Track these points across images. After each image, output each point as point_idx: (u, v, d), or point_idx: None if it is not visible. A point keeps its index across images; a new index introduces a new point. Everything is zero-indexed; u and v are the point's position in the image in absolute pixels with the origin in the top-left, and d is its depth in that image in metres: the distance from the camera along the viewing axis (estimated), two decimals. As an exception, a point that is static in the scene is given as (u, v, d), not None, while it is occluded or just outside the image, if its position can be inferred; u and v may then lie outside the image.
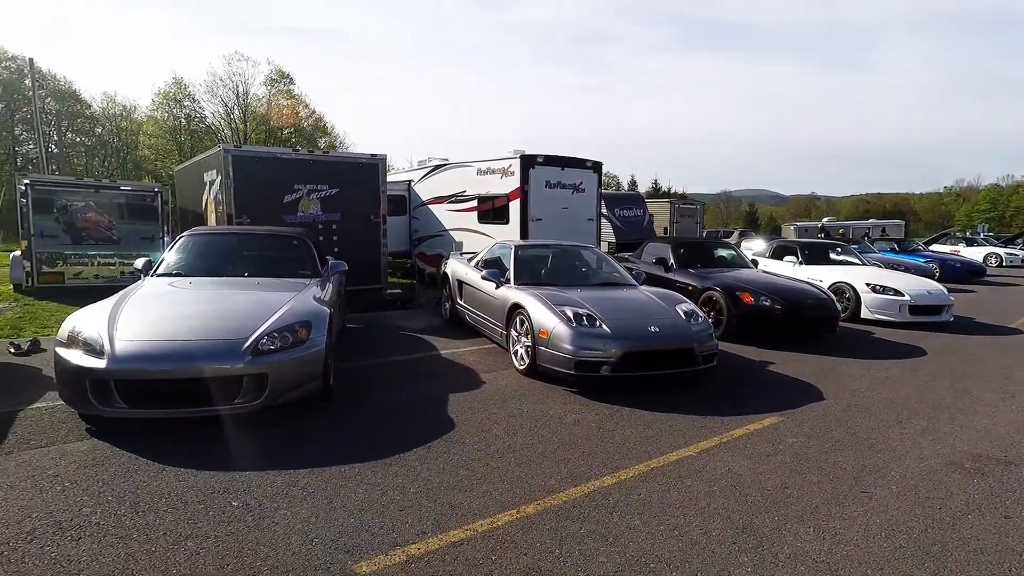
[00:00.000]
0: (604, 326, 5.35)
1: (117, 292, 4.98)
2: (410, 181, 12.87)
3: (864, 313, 9.49)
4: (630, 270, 7.43)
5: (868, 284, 9.57)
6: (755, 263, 9.97)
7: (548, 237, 9.01)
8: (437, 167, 11.92)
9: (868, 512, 3.40)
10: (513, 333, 6.06)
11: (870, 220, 38.10)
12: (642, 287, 6.79)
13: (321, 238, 8.35)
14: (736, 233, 31.35)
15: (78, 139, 40.03)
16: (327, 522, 3.10)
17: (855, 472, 3.92)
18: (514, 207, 9.53)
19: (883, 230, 29.69)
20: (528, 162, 9.34)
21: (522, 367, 5.82)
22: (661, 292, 6.58)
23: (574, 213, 9.83)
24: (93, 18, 56.48)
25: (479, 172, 10.39)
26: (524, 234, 9.33)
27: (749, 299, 7.73)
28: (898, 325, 9.23)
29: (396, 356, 6.52)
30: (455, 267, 7.97)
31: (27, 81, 31.16)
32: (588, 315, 5.44)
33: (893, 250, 18.22)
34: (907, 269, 13.29)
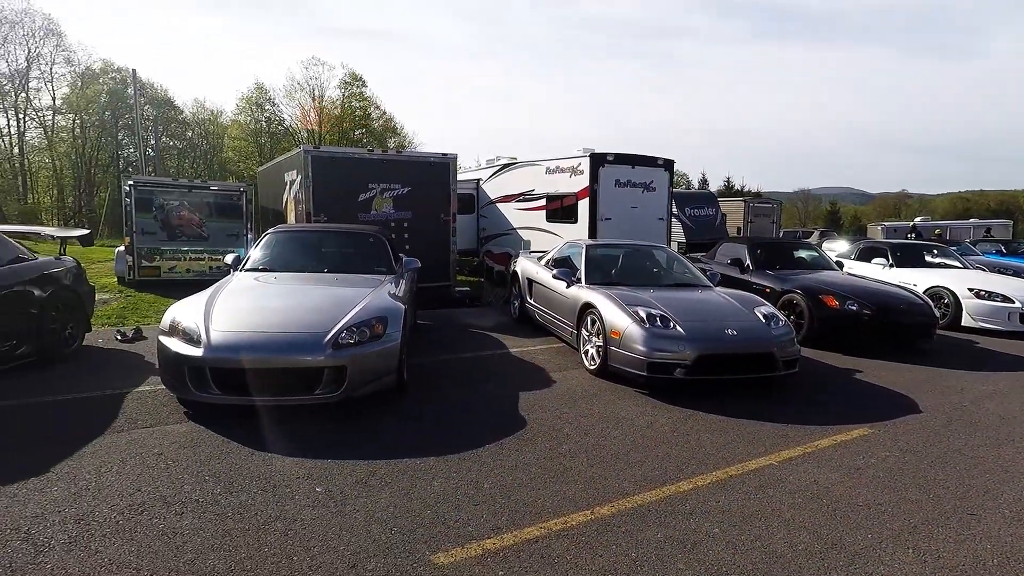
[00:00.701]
0: (678, 327, 5.22)
1: (206, 285, 5.31)
2: (478, 180, 13.03)
3: (966, 321, 8.78)
4: (704, 271, 7.22)
5: (971, 289, 8.83)
6: (839, 265, 9.42)
7: (617, 237, 8.89)
8: (505, 166, 12.01)
9: (977, 536, 3.14)
10: (584, 333, 6.01)
11: (971, 220, 34.81)
12: (717, 288, 6.58)
13: (393, 236, 8.58)
14: (816, 233, 29.10)
15: (171, 142, 43.03)
16: (405, 512, 3.19)
17: (959, 492, 3.64)
18: (583, 206, 9.46)
19: (987, 230, 26.71)
20: (598, 160, 9.24)
21: (592, 367, 5.77)
22: (738, 294, 6.36)
23: (644, 212, 9.64)
24: (186, 29, 60.61)
25: (548, 171, 10.38)
26: (592, 233, 9.24)
27: (834, 303, 7.32)
28: (1006, 335, 8.49)
29: (466, 353, 6.62)
30: (525, 266, 8.00)
31: (129, 90, 33.83)
32: (662, 316, 5.33)
33: (1000, 252, 16.68)
34: (1016, 273, 12.13)
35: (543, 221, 10.56)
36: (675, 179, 10.25)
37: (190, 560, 2.72)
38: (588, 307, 5.94)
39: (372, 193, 8.94)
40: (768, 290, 7.84)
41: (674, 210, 10.48)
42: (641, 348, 5.14)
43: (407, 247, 8.70)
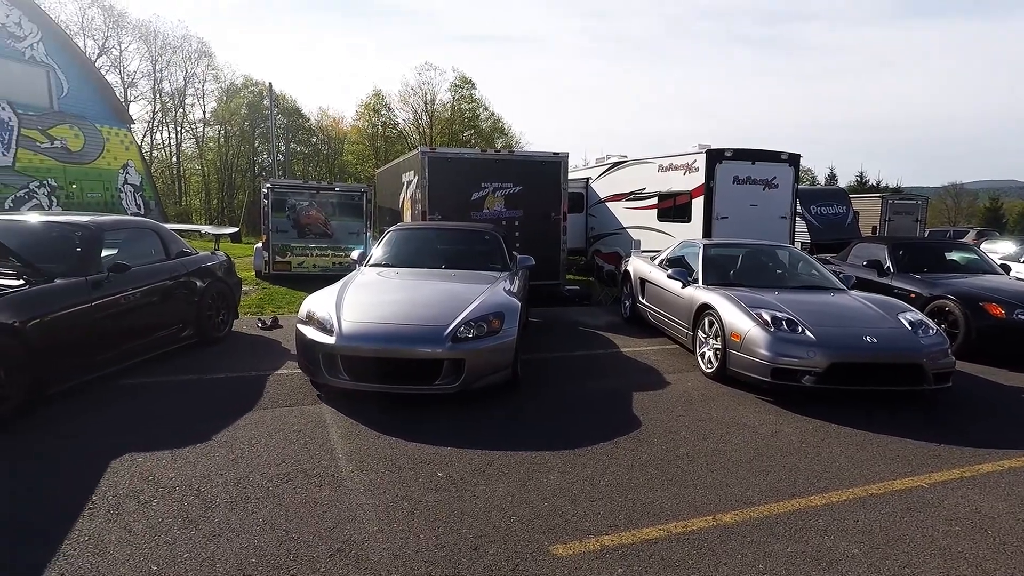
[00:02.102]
0: (808, 332, 4.88)
1: (330, 279, 5.71)
2: (588, 178, 12.97)
3: None
4: (836, 273, 6.69)
5: None
6: (1006, 268, 8.27)
7: (733, 236, 8.48)
8: (615, 164, 11.85)
9: None
10: (700, 335, 5.80)
11: None
12: (852, 292, 6.07)
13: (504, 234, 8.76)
14: (972, 233, 25.13)
15: (298, 148, 46.84)
16: (523, 502, 3.26)
17: None
18: (697, 204, 9.11)
19: None
20: (715, 157, 8.86)
21: (709, 370, 5.55)
22: (878, 298, 5.82)
23: (765, 210, 9.11)
24: (316, 43, 65.94)
25: (660, 168, 10.11)
26: (707, 233, 8.87)
27: (998, 311, 6.45)
28: None
29: (577, 351, 6.61)
30: (637, 265, 7.86)
31: (265, 102, 37.23)
32: (789, 319, 5.01)
33: None
34: None
35: (654, 220, 10.30)
36: (799, 175, 9.57)
37: (329, 528, 2.96)
38: (705, 308, 5.71)
39: (484, 192, 9.18)
40: (913, 295, 7.09)
41: (798, 208, 9.78)
42: (765, 353, 4.86)
43: (517, 245, 8.84)
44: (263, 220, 12.29)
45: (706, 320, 5.70)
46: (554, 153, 9.40)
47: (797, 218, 9.95)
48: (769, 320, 5.01)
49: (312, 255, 12.28)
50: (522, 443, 4.02)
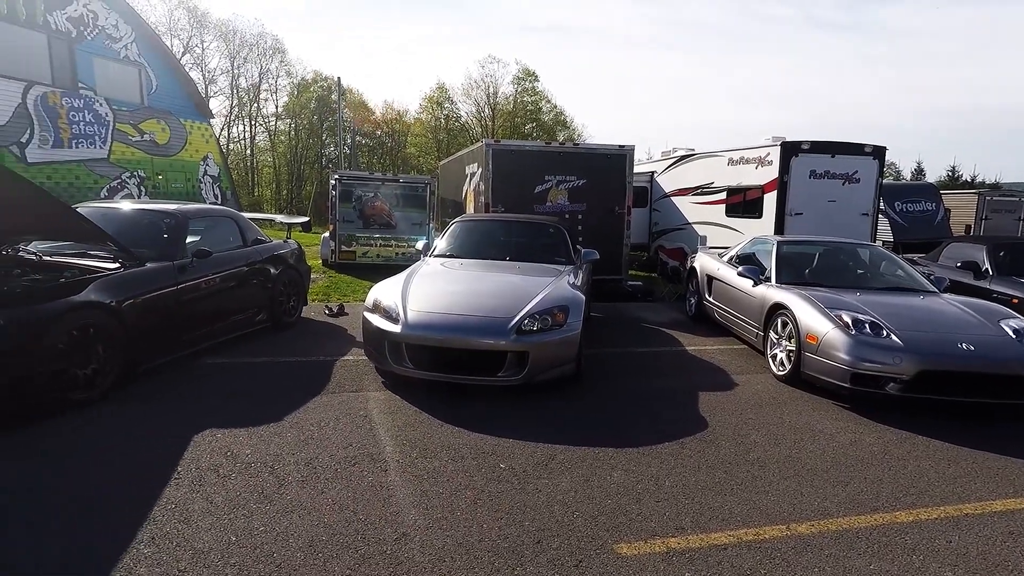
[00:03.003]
0: (893, 336, 4.58)
1: (393, 269, 5.79)
2: (653, 172, 12.67)
3: None
4: (926, 275, 6.24)
5: None
6: None
7: (808, 233, 8.07)
8: (682, 158, 11.51)
9: None
10: (772, 335, 5.55)
11: None
12: (945, 295, 5.65)
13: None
14: None
15: (363, 140, 48.10)
16: (585, 498, 3.21)
17: None
18: (769, 200, 8.71)
19: None
20: (790, 150, 8.43)
21: (781, 373, 5.31)
22: (975, 303, 5.39)
23: (844, 206, 8.59)
24: (383, 37, 67.29)
25: (730, 162, 9.73)
26: (779, 229, 8.47)
27: None
28: None
29: (640, 348, 6.48)
30: (704, 262, 7.61)
31: (333, 96, 38.45)
32: (872, 322, 4.71)
33: None
34: None
35: (722, 216, 9.94)
36: (884, 169, 8.96)
37: (395, 512, 3.01)
38: (778, 308, 5.46)
39: (548, 185, 9.12)
40: (1016, 301, 6.50)
41: (880, 205, 9.18)
42: (844, 357, 4.60)
43: (580, 239, 8.74)
44: (330, 210, 12.67)
45: (779, 320, 5.44)
46: (619, 146, 9.22)
47: (879, 215, 9.33)
48: (850, 322, 4.73)
49: (376, 245, 12.56)
50: (584, 438, 3.97)
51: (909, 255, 9.05)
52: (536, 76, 45.71)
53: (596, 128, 66.77)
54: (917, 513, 3.16)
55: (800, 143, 8.52)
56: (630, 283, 9.78)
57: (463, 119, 46.49)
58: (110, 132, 17.40)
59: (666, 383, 5.27)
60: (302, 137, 44.60)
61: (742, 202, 9.49)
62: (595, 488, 3.33)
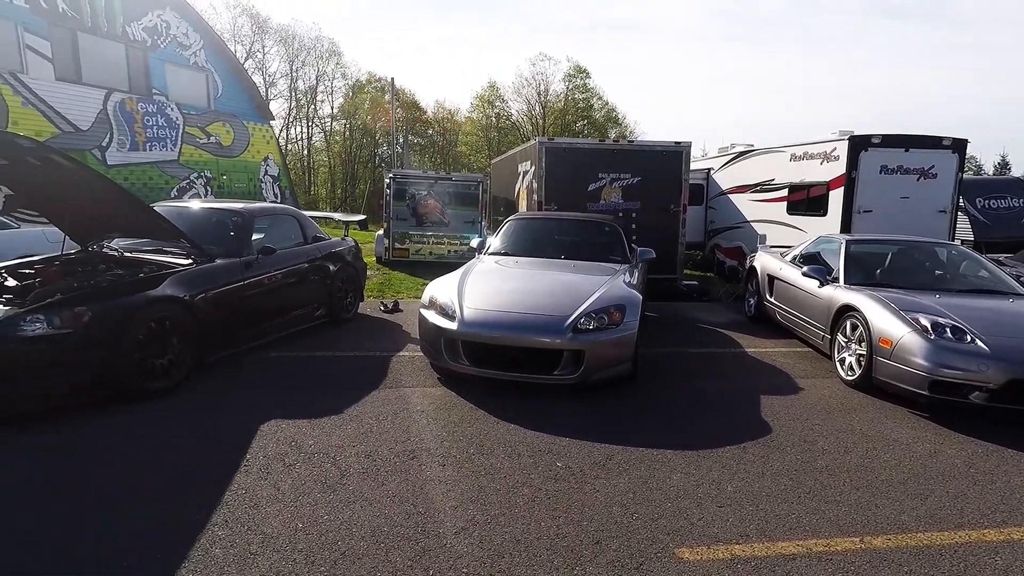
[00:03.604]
0: (979, 342, 4.29)
1: (445, 266, 5.83)
2: (709, 169, 12.33)
3: None
4: (1016, 276, 5.82)
5: None
6: None
7: (878, 231, 7.67)
8: (741, 154, 11.15)
9: None
10: (840, 339, 5.30)
11: None
12: None
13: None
14: None
15: (415, 140, 48.88)
16: (644, 500, 3.16)
17: None
18: (835, 196, 8.32)
19: None
20: (859, 144, 8.02)
21: (850, 377, 5.07)
22: None
23: (918, 203, 8.11)
24: (435, 37, 68.20)
25: (792, 158, 9.36)
26: (846, 227, 8.09)
27: None
28: None
29: (696, 348, 6.32)
30: (765, 261, 7.35)
31: (387, 96, 39.24)
32: (954, 327, 4.43)
33: None
34: None
35: (783, 214, 9.57)
36: (964, 164, 8.40)
37: (454, 506, 3.04)
38: (848, 310, 5.21)
39: (601, 183, 9.02)
40: None
41: (959, 201, 8.61)
42: (922, 363, 4.34)
43: (634, 237, 8.61)
44: (384, 208, 12.91)
45: (848, 323, 5.19)
46: (675, 143, 9.01)
47: (959, 213, 8.76)
48: (928, 326, 4.46)
49: (429, 243, 12.72)
50: (642, 439, 3.90)
51: (993, 255, 8.47)
52: (587, 73, 45.33)
53: (648, 125, 65.67)
54: (1009, 532, 2.95)
55: (870, 137, 8.10)
56: (685, 282, 9.56)
57: (514, 117, 46.60)
58: (180, 135, 18.35)
59: (725, 385, 5.12)
60: (356, 137, 45.72)
61: (805, 199, 9.11)
62: (654, 490, 3.27)
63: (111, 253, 5.42)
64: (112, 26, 16.16)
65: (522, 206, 10.44)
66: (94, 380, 4.00)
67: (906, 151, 8.10)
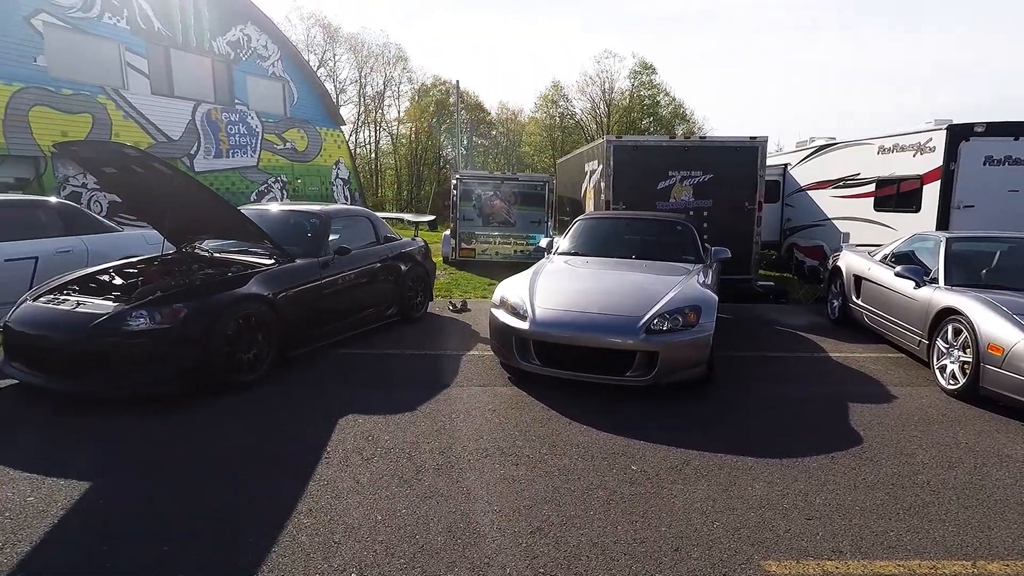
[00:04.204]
0: (1105, 350, 3.87)
1: (512, 266, 5.80)
2: (785, 165, 11.77)
3: None
4: None
5: None
6: None
7: (981, 228, 7.06)
8: (821, 148, 10.56)
9: None
10: (940, 344, 4.91)
11: None
12: None
13: (691, 225, 8.29)
14: None
15: (479, 141, 49.44)
16: (725, 509, 3.03)
17: None
18: (930, 191, 7.71)
19: None
20: (959, 133, 7.38)
21: (952, 386, 4.68)
22: None
23: None
24: (499, 38, 68.73)
25: (881, 151, 8.77)
26: (943, 224, 7.48)
27: None
28: None
29: (776, 352, 6.04)
30: (851, 261, 6.92)
31: (451, 99, 39.92)
32: (1077, 333, 4.01)
33: None
34: None
35: (869, 210, 8.98)
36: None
37: (528, 506, 3.02)
38: (949, 314, 4.82)
39: (671, 181, 8.78)
40: None
41: None
42: (1039, 372, 3.95)
43: (705, 236, 8.33)
44: (451, 209, 13.10)
45: (950, 328, 4.80)
46: (751, 138, 8.64)
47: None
48: (1045, 332, 4.06)
49: (495, 243, 12.80)
50: (719, 445, 3.76)
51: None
52: (653, 69, 44.41)
53: (718, 121, 63.38)
54: None
55: (972, 125, 7.46)
56: (761, 283, 9.16)
57: (578, 116, 46.30)
58: (259, 142, 19.35)
59: (808, 391, 4.86)
60: (421, 140, 46.76)
61: (895, 195, 8.51)
62: (735, 499, 3.14)
63: (202, 254, 5.75)
64: (200, 42, 17.24)
65: (589, 206, 10.33)
66: (189, 371, 4.25)
67: (1016, 140, 7.40)
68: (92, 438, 3.70)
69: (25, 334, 4.25)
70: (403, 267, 6.83)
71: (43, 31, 13.24)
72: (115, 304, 4.27)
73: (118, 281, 4.92)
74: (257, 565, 2.51)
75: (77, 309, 4.27)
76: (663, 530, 2.85)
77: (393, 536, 2.74)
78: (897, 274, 5.64)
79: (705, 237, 8.22)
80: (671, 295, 4.72)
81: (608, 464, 3.50)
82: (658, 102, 44.69)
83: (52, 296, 4.53)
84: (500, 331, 4.90)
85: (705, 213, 8.75)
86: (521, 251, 12.62)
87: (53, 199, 7.13)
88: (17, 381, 4.35)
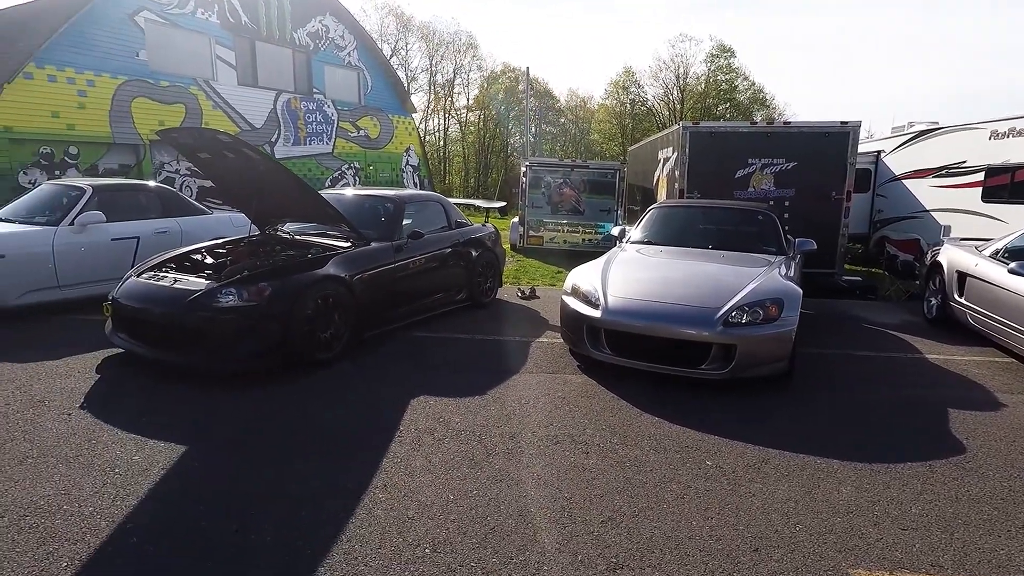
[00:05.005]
0: None
1: (579, 255, 5.70)
2: (878, 152, 10.98)
3: None
4: None
5: None
6: None
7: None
8: (921, 134, 9.76)
9: None
10: (1059, 348, 4.46)
11: None
12: None
13: (769, 215, 7.89)
14: None
15: (547, 128, 49.15)
16: (808, 512, 2.88)
17: None
18: (1051, 181, 7.00)
19: None
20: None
21: (1071, 396, 4.24)
22: None
23: None
24: (571, 25, 67.77)
25: (993, 136, 8.00)
26: (1065, 217, 6.79)
27: None
28: None
29: (863, 351, 5.67)
30: (954, 256, 6.37)
31: (521, 86, 39.86)
32: None
33: None
34: None
35: (975, 201, 8.24)
36: None
37: (599, 495, 2.98)
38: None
39: (751, 169, 8.37)
40: None
41: None
42: None
43: (786, 228, 7.90)
44: (520, 196, 13.11)
45: (1070, 330, 4.34)
46: (841, 123, 8.09)
47: None
48: None
49: (563, 231, 12.71)
50: (801, 444, 3.58)
51: None
52: (732, 52, 42.54)
53: (802, 105, 59.70)
54: None
55: None
56: (846, 278, 8.62)
57: (649, 103, 45.11)
58: (334, 130, 20.03)
59: (900, 393, 4.54)
60: (489, 127, 46.99)
61: (1008, 184, 7.76)
62: (820, 502, 2.97)
63: (284, 236, 6.02)
64: (282, 33, 17.97)
65: (661, 194, 10.04)
66: (273, 348, 4.46)
67: None
68: (186, 406, 3.96)
69: (130, 307, 4.59)
70: (474, 252, 6.88)
71: (144, 27, 14.19)
72: (207, 282, 4.54)
73: (209, 260, 5.23)
74: (336, 535, 2.61)
75: (175, 285, 4.57)
76: (740, 529, 2.74)
77: (465, 516, 2.77)
78: (1011, 271, 5.12)
79: (786, 228, 7.81)
80: (751, 287, 4.52)
81: (681, 458, 3.40)
82: (736, 87, 42.81)
83: (153, 273, 4.87)
84: (571, 319, 4.85)
85: (787, 203, 8.30)
86: (589, 240, 12.47)
87: (152, 183, 7.67)
88: (122, 350, 4.71)
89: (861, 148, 11.41)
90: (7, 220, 6.30)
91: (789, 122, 8.51)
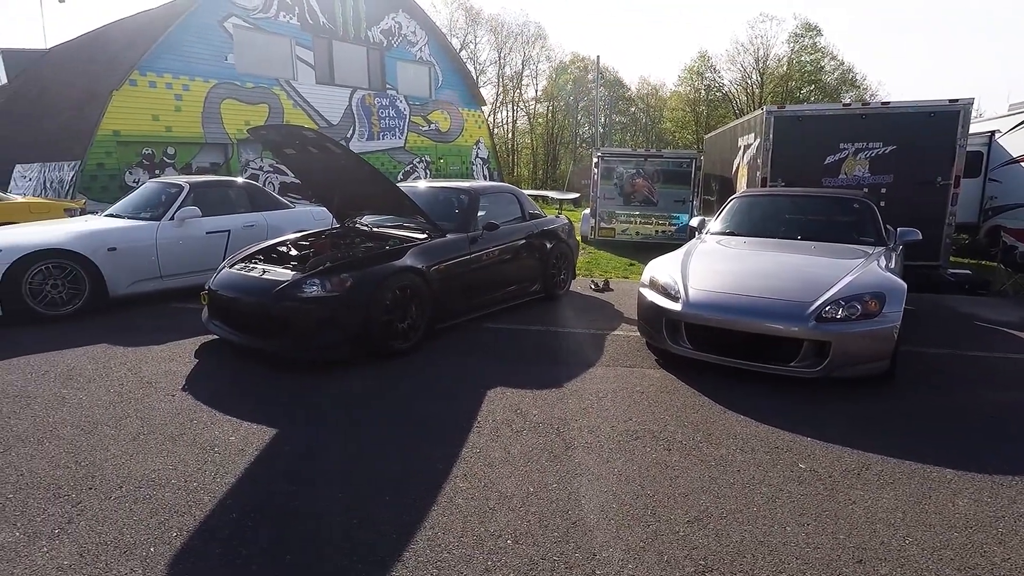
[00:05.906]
0: None
1: (652, 247, 5.50)
2: (992, 133, 10.00)
3: None
4: None
5: None
6: None
7: None
8: (1043, 110, 8.84)
9: None
10: None
11: None
12: None
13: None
14: None
15: (617, 118, 48.24)
16: (919, 524, 2.65)
17: None
18: None
19: None
20: None
21: None
22: None
23: None
24: (640, 10, 65.94)
25: None
26: None
27: None
28: None
29: (976, 351, 5.17)
30: (1083, 244, 5.74)
31: (590, 76, 39.26)
32: None
33: None
34: None
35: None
36: None
37: (683, 494, 2.87)
38: None
39: (843, 154, 7.83)
40: None
41: None
42: None
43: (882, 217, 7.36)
44: (592, 187, 12.89)
45: None
46: (950, 101, 7.40)
47: None
48: None
49: (636, 222, 12.44)
50: (907, 451, 3.30)
51: None
52: (819, 30, 40.05)
53: (896, 85, 55.11)
54: None
55: None
56: (953, 271, 7.92)
57: (725, 88, 43.29)
58: (406, 124, 20.48)
59: (1020, 398, 4.11)
60: (558, 118, 46.64)
61: None
62: (931, 514, 2.73)
63: (363, 228, 6.19)
64: (357, 32, 18.52)
65: (741, 184, 9.60)
66: (354, 337, 4.60)
67: None
68: (274, 391, 4.14)
69: (224, 296, 4.86)
70: (547, 244, 6.82)
71: (232, 32, 15.02)
72: (293, 273, 4.73)
73: (294, 252, 5.45)
74: (419, 522, 2.64)
75: (264, 276, 4.80)
76: (841, 538, 2.56)
77: (545, 509, 2.74)
78: None
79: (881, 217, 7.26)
80: (847, 280, 4.21)
81: (771, 459, 3.22)
82: (822, 67, 40.28)
83: (244, 264, 5.13)
84: (649, 312, 4.72)
85: (883, 190, 7.72)
86: (663, 231, 12.14)
87: (240, 179, 8.09)
88: (217, 337, 5.00)
89: (971, 128, 10.45)
90: (117, 216, 6.83)
91: (888, 102, 7.88)
